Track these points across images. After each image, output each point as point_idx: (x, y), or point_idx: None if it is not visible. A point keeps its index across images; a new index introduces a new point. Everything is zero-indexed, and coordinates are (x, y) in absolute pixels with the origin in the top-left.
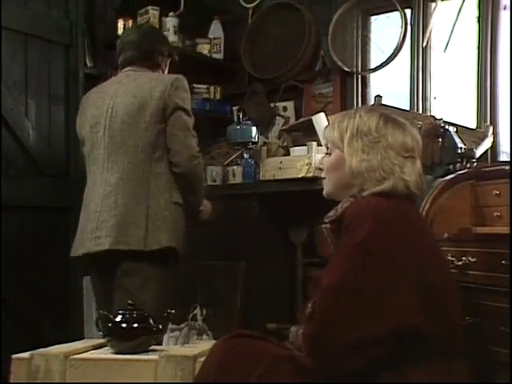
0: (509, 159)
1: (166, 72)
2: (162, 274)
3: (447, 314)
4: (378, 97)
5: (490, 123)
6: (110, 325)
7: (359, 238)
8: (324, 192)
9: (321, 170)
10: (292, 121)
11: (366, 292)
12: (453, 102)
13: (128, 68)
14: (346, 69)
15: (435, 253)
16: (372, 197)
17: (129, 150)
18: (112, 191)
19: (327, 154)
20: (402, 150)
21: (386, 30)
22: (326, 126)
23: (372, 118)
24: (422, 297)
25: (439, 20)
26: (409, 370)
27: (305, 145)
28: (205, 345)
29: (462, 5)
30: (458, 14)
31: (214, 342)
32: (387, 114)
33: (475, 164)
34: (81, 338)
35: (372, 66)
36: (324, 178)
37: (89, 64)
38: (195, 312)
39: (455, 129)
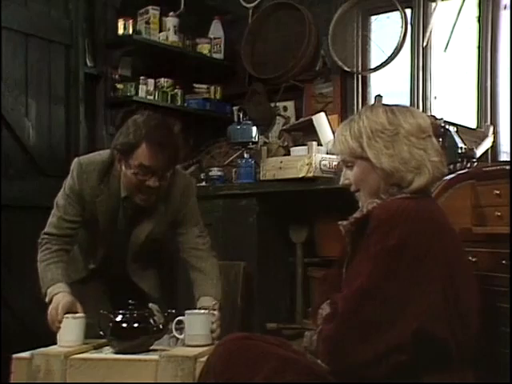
0: (509, 159)
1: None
2: None
3: (468, 321)
4: (379, 97)
5: (491, 123)
6: (110, 324)
7: (390, 243)
8: (361, 204)
9: (348, 185)
10: (292, 121)
11: (393, 299)
12: (453, 101)
13: None
14: (347, 68)
15: (461, 255)
16: (400, 199)
17: None
18: None
19: (347, 166)
20: (420, 133)
21: (386, 29)
22: (333, 144)
23: (379, 114)
24: (448, 303)
25: (439, 20)
26: (427, 377)
27: (305, 145)
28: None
29: (463, 4)
30: (459, 14)
31: (215, 341)
32: (389, 106)
33: (476, 164)
34: None
35: (372, 66)
36: (357, 191)
37: (89, 64)
38: None
39: (455, 128)
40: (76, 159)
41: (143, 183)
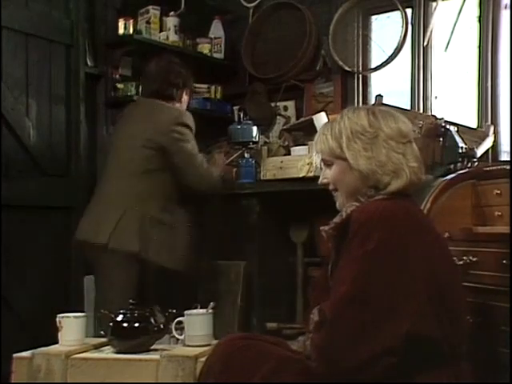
0: (510, 159)
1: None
2: (119, 274)
3: (457, 317)
4: (379, 96)
5: (491, 123)
6: (111, 324)
7: (371, 246)
8: (338, 204)
9: (326, 184)
10: (293, 120)
11: (380, 302)
12: (454, 101)
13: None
14: (347, 68)
15: (444, 253)
16: (378, 201)
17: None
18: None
19: (327, 165)
20: (400, 138)
21: (386, 29)
22: (315, 142)
23: (361, 116)
24: (433, 301)
25: (440, 19)
26: (419, 377)
27: (305, 144)
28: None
29: (463, 4)
30: (459, 14)
31: (215, 341)
32: (372, 108)
33: (476, 163)
34: None
35: (373, 66)
36: (335, 191)
37: (89, 64)
38: None
39: (456, 128)
40: (182, 113)
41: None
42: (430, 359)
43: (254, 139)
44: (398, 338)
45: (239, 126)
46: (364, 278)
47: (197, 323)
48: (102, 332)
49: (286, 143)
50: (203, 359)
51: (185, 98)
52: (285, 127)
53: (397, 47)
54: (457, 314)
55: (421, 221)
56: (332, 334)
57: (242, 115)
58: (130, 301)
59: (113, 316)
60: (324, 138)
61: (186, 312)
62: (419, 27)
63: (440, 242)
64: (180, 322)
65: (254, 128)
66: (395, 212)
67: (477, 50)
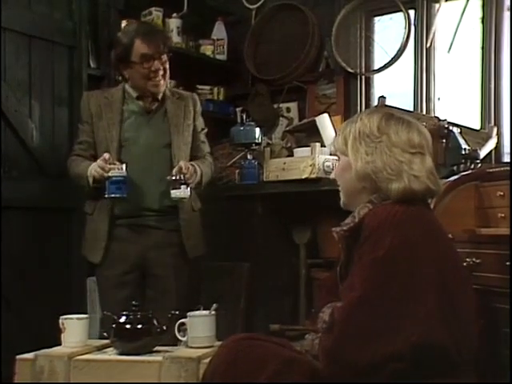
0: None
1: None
2: None
3: (466, 325)
4: (382, 98)
5: (494, 124)
6: (113, 326)
7: (382, 252)
8: (341, 202)
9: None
10: (295, 122)
11: (389, 308)
12: (457, 102)
13: None
14: (350, 70)
15: (455, 260)
16: (390, 205)
17: None
18: None
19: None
20: (407, 147)
21: (389, 30)
22: (335, 135)
23: (373, 119)
24: (443, 308)
25: (443, 21)
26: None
27: (308, 146)
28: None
29: (466, 5)
30: (462, 15)
31: (217, 343)
32: (391, 113)
33: (479, 165)
34: None
35: (375, 67)
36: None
37: (92, 65)
38: None
39: (459, 130)
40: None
41: (150, 70)
42: (438, 366)
43: (256, 140)
44: (406, 344)
45: (242, 128)
46: (374, 283)
47: (199, 325)
48: (104, 334)
49: (289, 144)
50: (206, 361)
51: (128, 73)
52: (287, 128)
53: (399, 48)
54: (466, 322)
55: (432, 227)
56: (340, 337)
57: (244, 116)
58: (133, 302)
59: (115, 318)
60: (338, 134)
61: (188, 313)
62: (422, 28)
63: (451, 250)
64: (183, 324)
65: (257, 129)
66: (407, 218)
67: (480, 52)
